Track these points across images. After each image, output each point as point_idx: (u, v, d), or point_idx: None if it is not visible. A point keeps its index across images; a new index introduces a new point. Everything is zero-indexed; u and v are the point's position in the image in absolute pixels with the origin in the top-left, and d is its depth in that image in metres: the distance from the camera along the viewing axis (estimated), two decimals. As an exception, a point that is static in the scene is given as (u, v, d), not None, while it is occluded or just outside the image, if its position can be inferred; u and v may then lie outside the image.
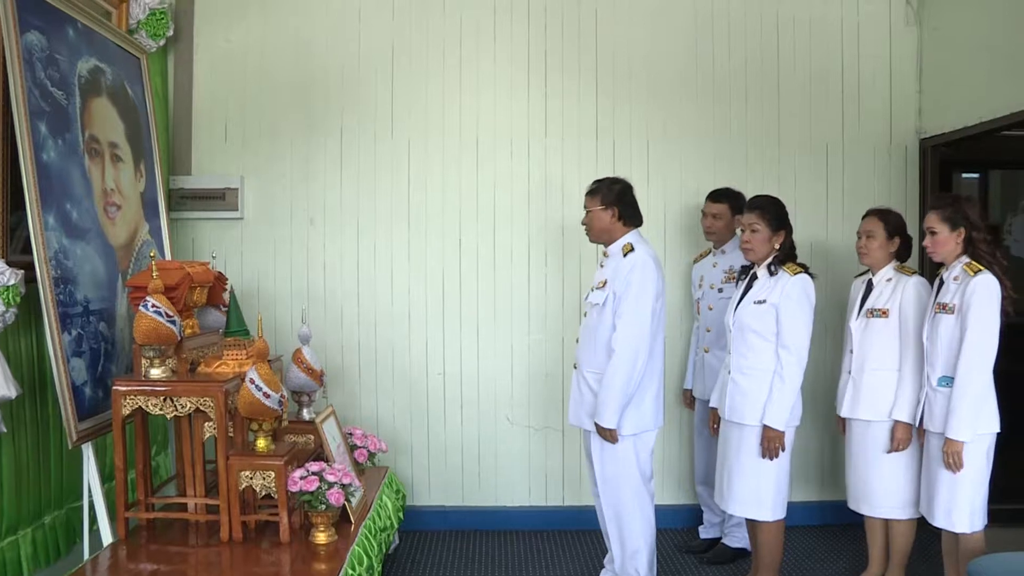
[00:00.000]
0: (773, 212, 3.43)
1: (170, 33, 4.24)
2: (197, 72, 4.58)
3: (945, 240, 3.25)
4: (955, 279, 3.22)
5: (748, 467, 3.43)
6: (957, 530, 3.20)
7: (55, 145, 3.04)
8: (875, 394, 3.57)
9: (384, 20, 4.60)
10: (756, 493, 3.43)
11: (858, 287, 3.74)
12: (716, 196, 4.18)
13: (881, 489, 3.58)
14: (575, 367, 3.63)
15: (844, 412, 3.68)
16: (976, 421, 3.12)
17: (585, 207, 3.58)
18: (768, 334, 3.38)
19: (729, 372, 3.51)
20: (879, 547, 3.73)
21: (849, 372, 3.66)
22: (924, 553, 3.98)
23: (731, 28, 4.65)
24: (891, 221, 3.63)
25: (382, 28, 4.60)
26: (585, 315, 3.63)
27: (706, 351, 4.15)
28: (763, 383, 3.39)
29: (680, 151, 4.65)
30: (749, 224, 3.46)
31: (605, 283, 3.46)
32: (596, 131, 4.66)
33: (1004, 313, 3.14)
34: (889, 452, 3.54)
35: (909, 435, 3.49)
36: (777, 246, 3.43)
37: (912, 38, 4.70)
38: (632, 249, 3.44)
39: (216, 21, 4.57)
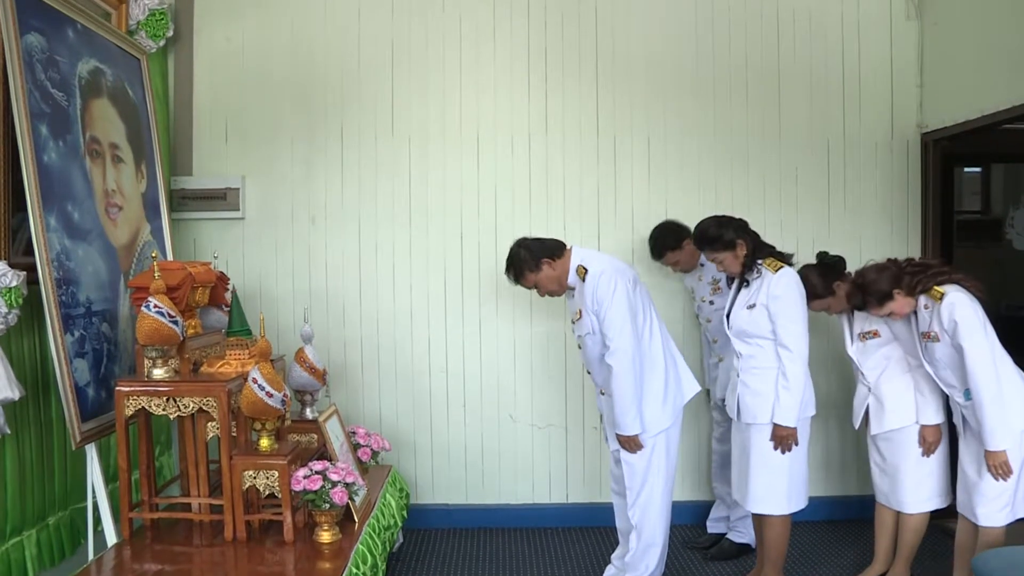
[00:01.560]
0: (722, 237, 3.44)
1: (170, 34, 4.24)
2: (197, 72, 4.58)
3: (902, 305, 3.32)
4: (925, 307, 3.32)
5: (762, 464, 3.43)
6: (1000, 524, 3.22)
7: (56, 146, 3.04)
8: (897, 403, 3.59)
9: (383, 18, 4.60)
10: (772, 489, 3.43)
11: (843, 317, 3.73)
12: (656, 253, 4.23)
13: (911, 487, 3.59)
14: (601, 393, 3.60)
15: (874, 430, 3.65)
16: (1007, 425, 3.15)
17: (527, 287, 3.56)
18: (767, 333, 3.39)
19: (738, 375, 3.51)
20: (887, 542, 3.75)
21: (869, 389, 3.66)
22: (924, 550, 3.99)
23: (731, 23, 4.65)
24: (827, 280, 3.59)
25: (382, 26, 4.60)
26: (580, 347, 3.60)
27: (720, 360, 4.15)
28: (772, 380, 3.39)
29: (681, 147, 4.64)
30: (711, 259, 3.56)
31: (581, 312, 3.45)
32: (597, 128, 4.65)
33: (984, 303, 3.22)
34: (925, 456, 3.56)
35: (939, 436, 3.55)
36: (744, 254, 3.45)
37: (913, 32, 4.69)
38: (586, 269, 3.42)
39: (216, 21, 4.57)
